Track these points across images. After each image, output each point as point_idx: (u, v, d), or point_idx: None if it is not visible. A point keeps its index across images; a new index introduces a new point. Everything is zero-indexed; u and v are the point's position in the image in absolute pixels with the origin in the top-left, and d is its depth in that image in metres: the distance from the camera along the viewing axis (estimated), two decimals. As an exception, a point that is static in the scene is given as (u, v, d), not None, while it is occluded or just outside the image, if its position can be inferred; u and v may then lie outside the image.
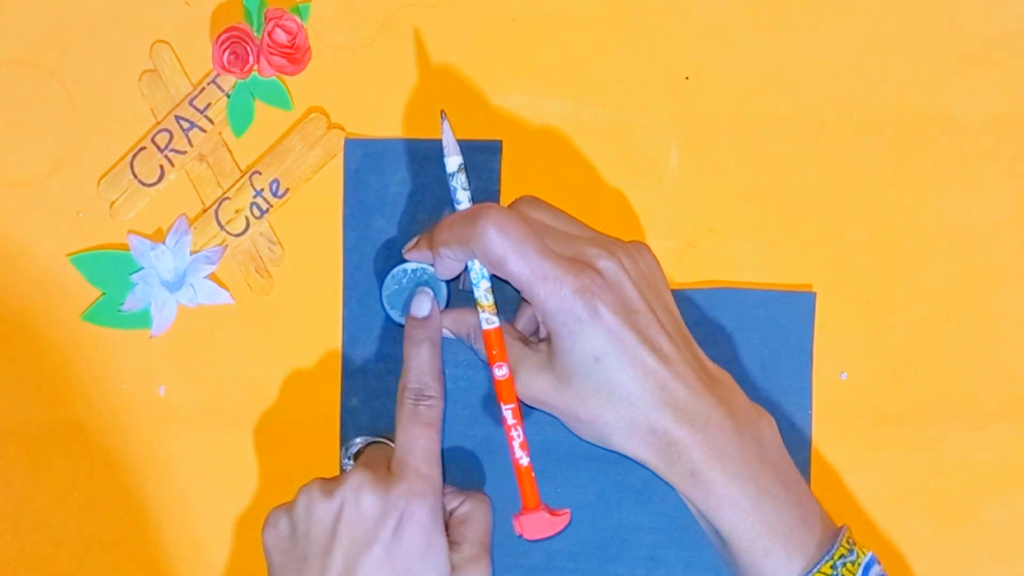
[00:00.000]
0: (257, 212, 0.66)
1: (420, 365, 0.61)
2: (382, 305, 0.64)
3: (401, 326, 0.64)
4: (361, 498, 0.57)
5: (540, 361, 0.59)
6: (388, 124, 0.66)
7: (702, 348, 0.61)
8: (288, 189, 0.66)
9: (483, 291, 0.61)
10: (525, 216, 0.59)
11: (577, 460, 0.65)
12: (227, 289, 0.66)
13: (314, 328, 0.66)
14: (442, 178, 0.64)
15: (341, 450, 0.64)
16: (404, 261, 0.64)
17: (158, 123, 0.66)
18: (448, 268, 0.61)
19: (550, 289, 0.57)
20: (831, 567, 0.56)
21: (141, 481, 0.66)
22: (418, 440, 0.59)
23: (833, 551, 0.56)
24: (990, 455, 0.66)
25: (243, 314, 0.66)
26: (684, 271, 0.66)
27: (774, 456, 0.59)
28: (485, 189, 0.65)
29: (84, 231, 0.66)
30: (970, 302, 0.66)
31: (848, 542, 0.57)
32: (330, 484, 0.58)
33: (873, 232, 0.66)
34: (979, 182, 0.66)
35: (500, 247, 0.57)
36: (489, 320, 0.61)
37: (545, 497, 0.63)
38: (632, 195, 0.66)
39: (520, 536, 0.62)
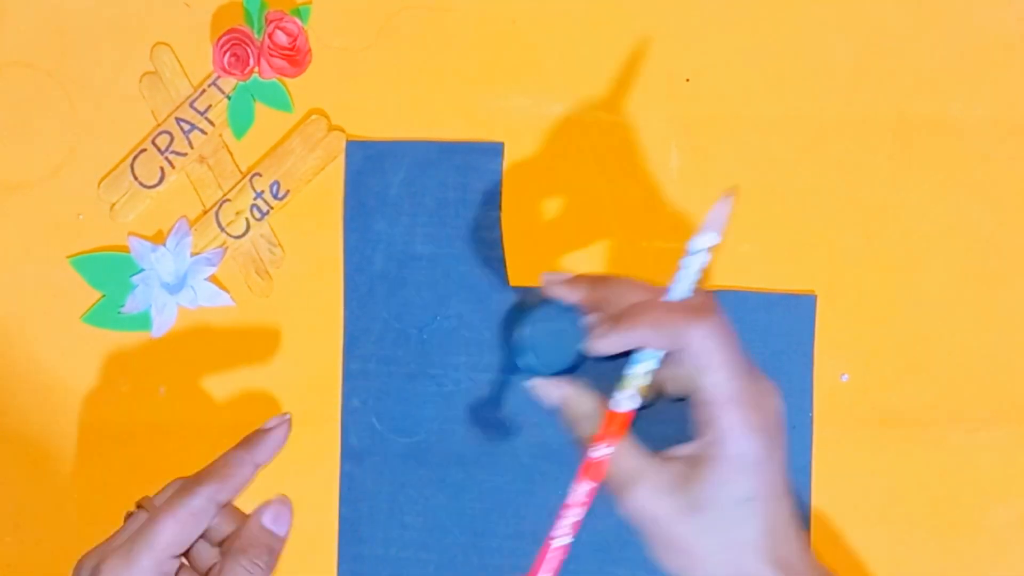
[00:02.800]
0: (257, 214, 0.66)
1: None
2: (513, 347, 0.60)
3: (529, 375, 0.57)
4: None
5: (670, 481, 0.53)
6: (389, 126, 0.66)
7: None
8: (289, 191, 0.66)
9: (643, 373, 0.54)
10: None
11: (577, 461, 0.65)
12: (227, 291, 0.66)
13: (314, 330, 0.66)
14: (443, 180, 0.64)
15: None
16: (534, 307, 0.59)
17: (159, 125, 0.66)
18: (619, 345, 0.54)
19: (745, 416, 0.52)
20: None
21: (141, 482, 0.66)
22: None
23: None
24: (991, 457, 0.66)
25: (243, 316, 0.66)
26: (685, 273, 0.66)
27: None
28: (487, 191, 0.65)
29: (84, 233, 0.66)
30: (971, 304, 0.66)
31: None
32: None
33: (873, 234, 0.66)
34: (979, 185, 0.66)
35: (717, 355, 0.52)
36: (632, 401, 0.54)
37: (546, 497, 0.63)
38: (633, 197, 0.66)
39: None
